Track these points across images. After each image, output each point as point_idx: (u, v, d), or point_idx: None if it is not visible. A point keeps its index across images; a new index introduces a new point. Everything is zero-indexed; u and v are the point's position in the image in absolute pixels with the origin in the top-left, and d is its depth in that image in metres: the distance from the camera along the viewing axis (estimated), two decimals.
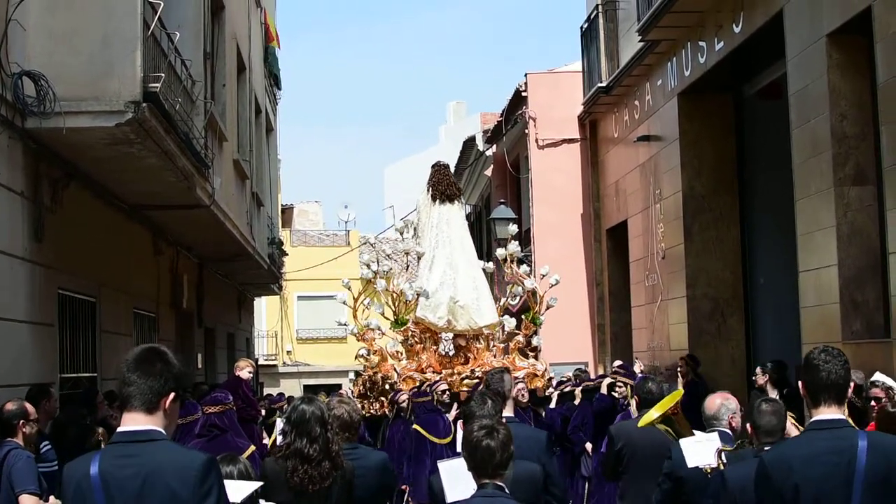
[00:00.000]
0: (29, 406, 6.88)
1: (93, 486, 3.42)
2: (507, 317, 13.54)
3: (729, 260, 14.54)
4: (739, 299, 14.53)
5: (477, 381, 11.83)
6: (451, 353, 12.72)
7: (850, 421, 4.27)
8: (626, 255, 17.70)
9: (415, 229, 13.97)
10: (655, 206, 15.75)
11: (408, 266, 13.70)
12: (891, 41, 8.97)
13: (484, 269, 13.82)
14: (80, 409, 8.64)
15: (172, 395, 3.55)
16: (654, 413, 6.12)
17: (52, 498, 6.67)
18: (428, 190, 13.74)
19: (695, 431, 5.92)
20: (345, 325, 13.59)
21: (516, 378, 10.80)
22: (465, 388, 12.17)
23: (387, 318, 13.29)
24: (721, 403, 5.95)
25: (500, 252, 13.76)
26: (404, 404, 11.72)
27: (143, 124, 8.66)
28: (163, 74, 9.15)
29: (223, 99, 14.36)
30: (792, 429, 7.56)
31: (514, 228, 14.43)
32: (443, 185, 13.68)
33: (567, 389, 12.35)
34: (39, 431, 7.14)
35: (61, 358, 10.02)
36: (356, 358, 13.53)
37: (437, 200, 13.58)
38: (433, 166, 14.15)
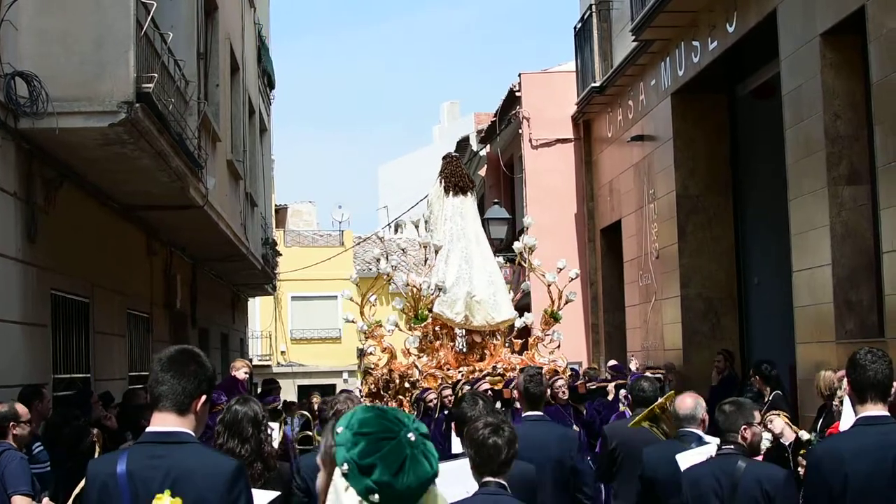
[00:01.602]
0: (21, 407, 6.86)
1: (119, 485, 3.37)
2: (527, 314, 13.28)
3: (723, 260, 14.54)
4: (733, 299, 14.53)
5: (499, 376, 11.69)
6: (464, 350, 12.48)
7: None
8: (619, 254, 17.69)
9: (426, 222, 13.62)
10: (649, 205, 15.75)
11: (426, 260, 13.38)
12: (884, 41, 8.98)
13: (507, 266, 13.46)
14: (73, 410, 8.62)
15: (203, 397, 3.51)
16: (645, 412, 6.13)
17: (45, 499, 6.66)
18: (440, 182, 13.18)
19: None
20: (352, 321, 13.32)
21: (557, 376, 10.78)
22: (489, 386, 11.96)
23: (406, 313, 12.76)
24: (696, 402, 5.91)
25: (516, 245, 13.43)
26: (432, 403, 11.47)
27: (137, 125, 8.65)
28: (156, 75, 9.14)
29: (217, 99, 14.33)
30: (786, 428, 7.61)
31: (529, 220, 13.83)
32: (455, 177, 13.11)
33: (594, 387, 12.17)
34: (32, 432, 7.12)
35: (54, 359, 9.99)
36: (363, 357, 13.27)
37: (451, 192, 13.02)
38: (444, 157, 13.63)
